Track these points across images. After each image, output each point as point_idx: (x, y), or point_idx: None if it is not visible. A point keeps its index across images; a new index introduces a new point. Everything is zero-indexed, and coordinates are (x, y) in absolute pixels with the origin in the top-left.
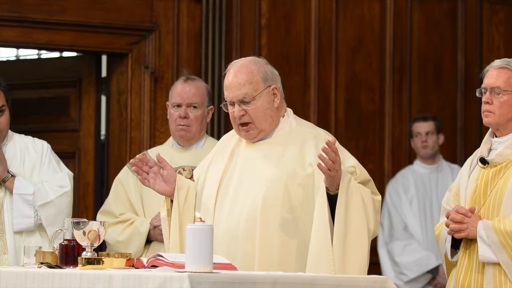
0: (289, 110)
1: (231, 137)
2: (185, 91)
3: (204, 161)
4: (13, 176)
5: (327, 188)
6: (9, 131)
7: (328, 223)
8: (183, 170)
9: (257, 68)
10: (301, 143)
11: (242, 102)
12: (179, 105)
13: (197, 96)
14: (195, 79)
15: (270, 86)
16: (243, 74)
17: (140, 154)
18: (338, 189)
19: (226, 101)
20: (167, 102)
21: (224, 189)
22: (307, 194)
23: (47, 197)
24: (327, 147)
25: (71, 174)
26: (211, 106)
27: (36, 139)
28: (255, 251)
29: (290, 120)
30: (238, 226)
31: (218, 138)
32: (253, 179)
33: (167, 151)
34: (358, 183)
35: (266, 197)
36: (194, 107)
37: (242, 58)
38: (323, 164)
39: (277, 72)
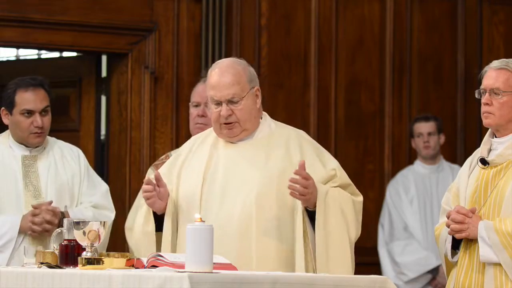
0: (265, 113)
1: (203, 139)
2: (204, 91)
3: (171, 166)
4: (66, 211)
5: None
6: None
7: (302, 246)
8: None
9: (242, 68)
10: (285, 143)
11: (230, 102)
12: (198, 104)
13: None
14: None
15: (254, 87)
16: (230, 75)
17: (164, 156)
18: (315, 206)
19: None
20: (189, 103)
21: (208, 190)
22: None
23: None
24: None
25: (107, 188)
26: None
27: (70, 145)
28: (251, 248)
29: (268, 122)
30: (230, 224)
31: None
32: (241, 178)
33: None
34: (338, 185)
35: (259, 194)
36: None
37: (225, 59)
38: (296, 192)
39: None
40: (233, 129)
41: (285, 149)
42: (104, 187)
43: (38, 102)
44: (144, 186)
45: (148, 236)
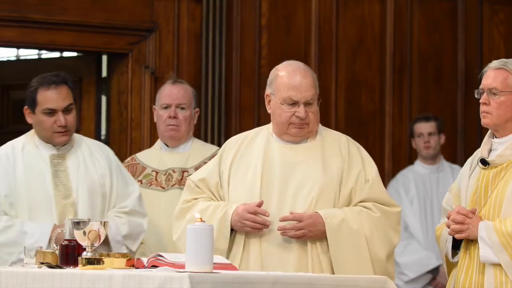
0: None
1: (250, 140)
2: (173, 92)
3: (217, 164)
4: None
5: None
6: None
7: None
8: (173, 172)
9: (313, 73)
10: (338, 148)
11: (307, 103)
12: (168, 106)
13: (186, 98)
14: (182, 82)
15: (318, 93)
16: (309, 77)
17: (129, 158)
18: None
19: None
20: (154, 106)
21: (266, 191)
22: (350, 201)
23: (138, 238)
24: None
25: (139, 190)
26: (197, 109)
27: (98, 142)
28: (307, 253)
29: (320, 127)
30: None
31: (219, 139)
32: (300, 180)
33: (155, 154)
34: (369, 198)
35: (319, 197)
36: (183, 108)
37: (293, 61)
38: (294, 233)
39: None
40: (303, 129)
41: (339, 154)
42: (137, 190)
43: (60, 101)
44: (255, 217)
45: (219, 252)
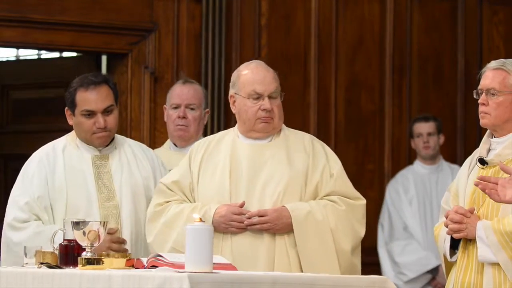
0: None
1: (218, 140)
2: (183, 92)
3: (187, 164)
4: None
5: None
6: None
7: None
8: None
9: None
10: (302, 145)
11: (271, 97)
12: (177, 106)
13: (195, 98)
14: (193, 82)
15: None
16: (271, 72)
17: None
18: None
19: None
20: (164, 106)
21: (235, 188)
22: (316, 195)
23: None
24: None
25: None
26: (208, 109)
27: (141, 144)
28: (275, 249)
29: (283, 127)
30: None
31: None
32: (267, 176)
33: (165, 154)
34: (335, 191)
35: (286, 192)
36: (192, 108)
37: (254, 60)
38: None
39: None
40: (269, 124)
41: (304, 151)
42: None
43: (99, 102)
44: (241, 218)
45: None
